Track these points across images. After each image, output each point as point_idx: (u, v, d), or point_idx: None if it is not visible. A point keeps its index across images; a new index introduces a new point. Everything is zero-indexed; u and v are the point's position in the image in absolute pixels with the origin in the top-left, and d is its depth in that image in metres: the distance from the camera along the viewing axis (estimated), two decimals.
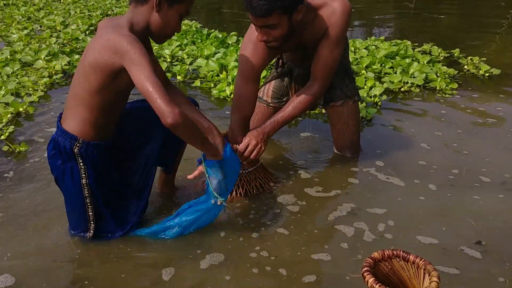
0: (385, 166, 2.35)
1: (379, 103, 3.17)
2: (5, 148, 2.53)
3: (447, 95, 3.38)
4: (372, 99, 3.20)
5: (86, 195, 1.71)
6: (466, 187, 2.15)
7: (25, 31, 5.09)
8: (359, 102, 2.44)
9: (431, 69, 3.72)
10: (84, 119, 1.63)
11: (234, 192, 2.09)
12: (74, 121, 1.65)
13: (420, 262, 1.39)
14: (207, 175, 1.73)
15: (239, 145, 2.00)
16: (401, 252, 1.43)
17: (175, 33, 1.70)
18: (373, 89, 3.27)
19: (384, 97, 3.24)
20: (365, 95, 3.20)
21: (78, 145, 1.65)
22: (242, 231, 1.85)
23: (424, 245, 1.75)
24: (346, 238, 1.80)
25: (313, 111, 2.97)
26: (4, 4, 6.77)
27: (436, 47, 4.41)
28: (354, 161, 2.42)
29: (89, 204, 1.73)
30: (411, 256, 1.42)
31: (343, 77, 2.32)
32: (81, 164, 1.67)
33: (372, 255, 1.41)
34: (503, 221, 1.89)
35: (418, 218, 1.93)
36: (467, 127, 2.83)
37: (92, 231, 1.77)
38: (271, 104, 2.46)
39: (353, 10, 2.07)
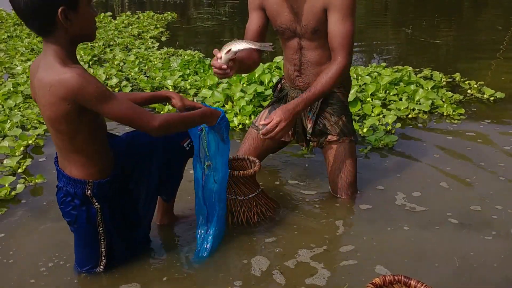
0: (388, 203, 2.29)
1: (392, 131, 3.17)
2: (21, 181, 2.51)
3: (455, 121, 3.39)
4: (385, 127, 3.19)
5: (101, 231, 1.68)
6: (471, 229, 2.07)
7: (29, 63, 5.10)
8: (355, 143, 2.35)
9: (437, 95, 3.74)
10: (83, 163, 1.59)
11: (235, 219, 2.08)
12: (75, 167, 1.60)
13: (422, 287, 1.36)
14: (205, 141, 1.81)
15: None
16: (402, 277, 1.40)
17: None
18: (385, 117, 3.27)
19: (398, 124, 3.24)
20: (377, 123, 3.20)
21: (89, 188, 1.61)
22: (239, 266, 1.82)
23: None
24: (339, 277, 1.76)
25: (305, 148, 2.82)
26: (8, 36, 6.82)
27: (437, 72, 4.45)
28: (353, 199, 2.33)
29: (102, 240, 1.69)
30: (412, 281, 1.39)
31: (340, 114, 2.28)
32: (96, 204, 1.64)
33: (373, 281, 1.38)
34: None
35: (422, 260, 1.87)
36: (478, 157, 2.79)
37: (102, 266, 1.74)
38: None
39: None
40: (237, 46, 1.87)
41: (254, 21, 2.23)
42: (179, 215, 2.15)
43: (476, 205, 2.26)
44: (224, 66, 1.89)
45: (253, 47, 1.88)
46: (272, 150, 2.53)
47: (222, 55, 1.88)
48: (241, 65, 2.03)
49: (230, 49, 1.87)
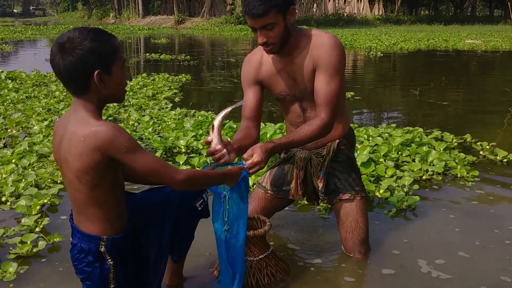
0: (398, 271, 2.22)
1: (410, 193, 3.14)
2: (41, 239, 2.51)
3: (469, 183, 3.36)
4: (401, 189, 3.17)
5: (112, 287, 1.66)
6: None
7: (45, 123, 5.23)
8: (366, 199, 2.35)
9: (449, 156, 3.74)
10: (100, 217, 1.61)
11: (244, 281, 2.02)
12: (91, 222, 1.62)
13: None
14: (227, 206, 1.84)
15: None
16: None
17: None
18: (401, 178, 3.27)
19: (416, 186, 3.21)
20: (393, 185, 3.18)
21: (103, 243, 1.61)
22: None
23: None
24: None
25: (319, 207, 2.85)
26: (26, 97, 7.05)
27: (448, 134, 4.47)
28: (365, 261, 2.28)
29: None
30: None
31: (349, 171, 2.30)
32: (110, 260, 1.63)
33: None
34: None
35: None
36: (495, 221, 2.74)
37: None
38: (268, 191, 2.42)
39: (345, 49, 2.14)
40: (217, 118, 1.89)
41: (251, 97, 2.24)
42: (187, 275, 2.12)
43: (506, 276, 2.18)
44: (219, 147, 1.89)
45: (229, 109, 1.92)
46: (279, 208, 2.51)
47: (211, 137, 1.89)
48: (240, 148, 2.06)
49: (213, 125, 1.89)
